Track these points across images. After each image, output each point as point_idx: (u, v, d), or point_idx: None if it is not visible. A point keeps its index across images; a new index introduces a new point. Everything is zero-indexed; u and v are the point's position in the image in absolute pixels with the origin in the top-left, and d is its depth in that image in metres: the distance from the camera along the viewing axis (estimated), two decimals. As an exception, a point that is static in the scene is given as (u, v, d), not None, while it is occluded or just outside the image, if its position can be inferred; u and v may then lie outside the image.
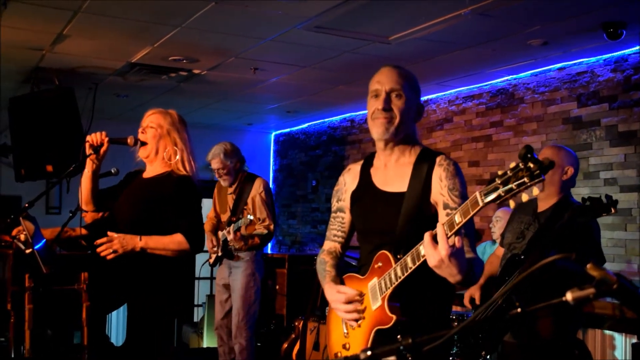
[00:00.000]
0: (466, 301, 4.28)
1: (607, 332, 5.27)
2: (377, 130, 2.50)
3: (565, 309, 2.47)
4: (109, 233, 3.61)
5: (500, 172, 1.85)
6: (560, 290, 1.26)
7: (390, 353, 1.36)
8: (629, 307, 1.18)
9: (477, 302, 4.03)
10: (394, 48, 5.77)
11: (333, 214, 2.80)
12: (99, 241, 3.62)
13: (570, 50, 5.84)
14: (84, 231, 6.81)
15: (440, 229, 2.10)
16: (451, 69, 6.64)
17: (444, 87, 7.51)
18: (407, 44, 5.67)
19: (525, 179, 1.77)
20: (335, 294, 2.56)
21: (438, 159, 2.48)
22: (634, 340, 4.96)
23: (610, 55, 5.89)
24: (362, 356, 1.40)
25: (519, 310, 1.25)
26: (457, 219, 2.06)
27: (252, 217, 5.41)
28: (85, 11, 5.00)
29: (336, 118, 9.83)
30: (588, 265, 1.18)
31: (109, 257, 3.58)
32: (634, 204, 5.69)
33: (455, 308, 5.44)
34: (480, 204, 1.96)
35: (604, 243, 5.76)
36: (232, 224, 5.52)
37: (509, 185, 1.82)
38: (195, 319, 9.70)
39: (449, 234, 2.08)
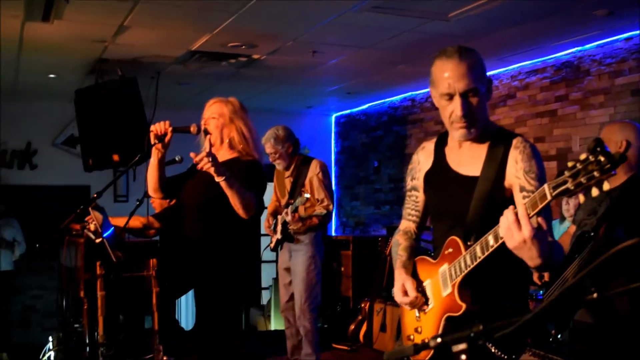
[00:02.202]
0: (536, 277, 4.21)
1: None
2: (458, 134, 2.42)
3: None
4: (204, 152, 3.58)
5: (570, 164, 1.78)
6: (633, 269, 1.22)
7: (461, 340, 1.34)
8: None
9: (547, 279, 3.96)
10: (453, 25, 5.68)
11: (408, 193, 2.75)
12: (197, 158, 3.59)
13: (636, 19, 5.64)
14: (152, 220, 6.96)
15: (522, 209, 2.03)
16: (512, 44, 6.50)
17: (505, 63, 7.35)
18: (466, 21, 5.57)
19: (595, 173, 1.71)
20: (399, 291, 2.54)
21: (515, 141, 2.41)
22: None
23: (679, 22, 5.68)
24: (432, 343, 1.38)
25: (594, 295, 1.21)
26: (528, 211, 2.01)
27: (308, 195, 5.41)
28: (144, 2, 5.07)
29: (397, 98, 9.74)
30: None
31: (203, 165, 3.54)
32: None
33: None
34: (549, 197, 1.90)
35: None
36: (290, 206, 5.55)
37: (579, 179, 1.76)
38: (262, 302, 9.81)
39: (531, 215, 2.02)
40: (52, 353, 5.70)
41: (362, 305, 7.02)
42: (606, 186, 1.73)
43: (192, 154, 3.60)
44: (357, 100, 10.09)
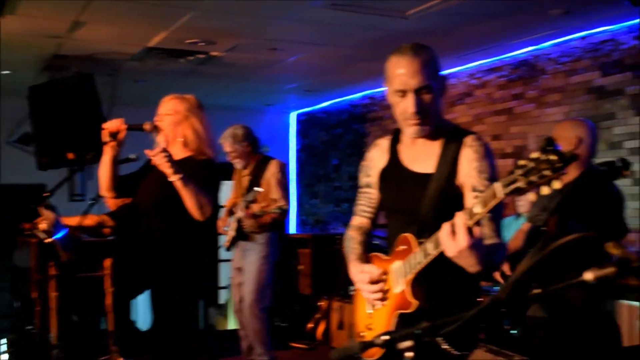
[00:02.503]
0: (497, 275, 4.24)
1: (636, 303, 5.20)
2: (410, 131, 2.42)
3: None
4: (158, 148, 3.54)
5: (520, 162, 1.79)
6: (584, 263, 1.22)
7: (407, 337, 1.33)
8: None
9: (508, 273, 4.00)
10: (412, 23, 5.69)
11: (361, 189, 2.75)
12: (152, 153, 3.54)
13: (592, 18, 5.73)
14: (106, 218, 6.86)
15: (459, 219, 2.05)
16: (471, 42, 6.54)
17: (464, 61, 7.41)
18: (425, 19, 5.59)
19: (546, 172, 1.72)
20: (359, 274, 2.52)
21: (467, 140, 2.41)
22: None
23: (633, 22, 5.75)
24: (378, 341, 1.37)
25: (539, 290, 1.21)
26: (477, 209, 2.02)
27: (260, 189, 5.36)
28: (99, -3, 5.00)
29: (356, 95, 9.75)
30: (608, 243, 1.14)
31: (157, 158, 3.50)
32: (661, 174, 5.59)
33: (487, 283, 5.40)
34: (500, 195, 1.91)
35: (630, 213, 5.66)
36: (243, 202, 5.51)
37: (530, 178, 1.77)
38: (220, 302, 9.75)
39: (469, 224, 2.04)
40: (5, 355, 5.59)
41: (320, 303, 7.01)
42: (557, 185, 1.74)
43: (147, 151, 3.56)
44: (317, 98, 10.09)
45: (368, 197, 2.71)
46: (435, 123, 2.41)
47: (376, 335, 1.42)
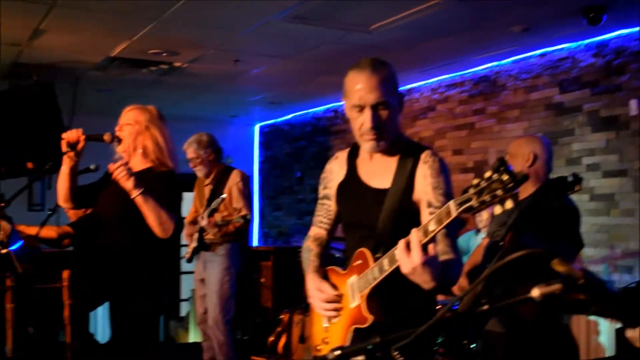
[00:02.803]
0: (456, 290, 4.27)
1: (592, 317, 5.28)
2: (367, 146, 2.45)
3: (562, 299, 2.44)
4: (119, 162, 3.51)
5: (475, 182, 1.82)
6: (535, 278, 1.24)
7: (359, 352, 1.33)
8: (595, 302, 1.16)
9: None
10: (375, 37, 5.74)
11: (320, 201, 2.76)
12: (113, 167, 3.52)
13: (551, 36, 5.83)
14: (67, 229, 6.75)
15: (414, 236, 2.07)
16: (433, 57, 6.62)
17: (426, 76, 7.48)
18: (388, 33, 5.64)
19: (499, 191, 1.76)
20: (315, 290, 2.53)
21: (423, 155, 2.43)
22: (619, 326, 4.96)
23: (591, 40, 5.88)
24: (330, 356, 1.37)
25: (485, 307, 1.23)
26: (431, 226, 2.04)
27: (224, 195, 5.35)
28: (61, 5, 4.95)
29: (320, 109, 9.79)
30: (554, 261, 1.16)
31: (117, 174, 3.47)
32: (617, 189, 5.69)
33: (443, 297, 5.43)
34: (454, 214, 1.94)
35: (588, 229, 5.77)
36: (206, 210, 5.47)
37: (483, 197, 1.80)
38: (182, 314, 9.67)
39: (424, 241, 2.06)
40: (-42, 368, 5.47)
41: (282, 316, 6.98)
42: (509, 204, 1.77)
43: (110, 165, 3.53)
44: (281, 110, 10.09)
45: (326, 209, 2.72)
46: (391, 138, 2.44)
47: (329, 350, 1.43)
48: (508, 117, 6.71)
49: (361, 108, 2.37)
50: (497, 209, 1.78)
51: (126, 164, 3.48)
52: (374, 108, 2.36)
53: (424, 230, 2.06)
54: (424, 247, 2.07)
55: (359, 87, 2.36)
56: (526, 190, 3.71)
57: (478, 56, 6.56)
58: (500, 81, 6.82)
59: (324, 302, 2.47)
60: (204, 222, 5.43)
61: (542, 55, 6.34)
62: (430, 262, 2.07)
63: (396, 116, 2.43)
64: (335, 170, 2.69)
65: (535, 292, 1.17)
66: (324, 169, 2.75)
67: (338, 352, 1.36)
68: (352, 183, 2.58)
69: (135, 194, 3.47)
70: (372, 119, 2.36)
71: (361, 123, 2.39)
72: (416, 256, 2.06)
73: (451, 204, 1.94)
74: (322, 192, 2.74)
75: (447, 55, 6.55)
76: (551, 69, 6.27)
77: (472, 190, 1.83)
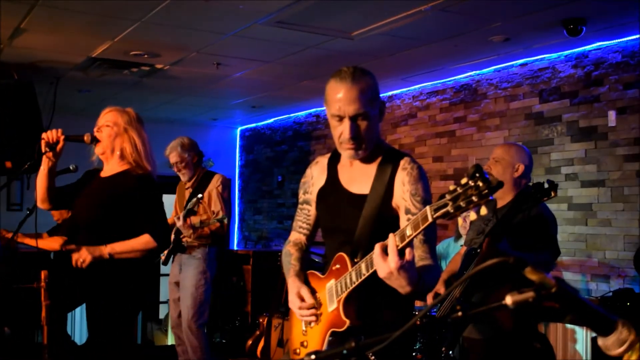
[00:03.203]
0: (430, 297, 4.30)
1: (569, 326, 5.32)
2: (346, 154, 2.48)
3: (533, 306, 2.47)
4: (74, 246, 3.58)
5: (451, 187, 1.84)
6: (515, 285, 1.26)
7: (335, 357, 1.34)
8: (568, 311, 1.17)
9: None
10: (357, 43, 5.76)
11: (300, 205, 2.78)
12: (71, 252, 3.60)
13: (531, 46, 5.88)
14: (45, 235, 6.72)
15: (391, 241, 2.10)
16: (415, 64, 6.65)
17: (408, 83, 7.52)
18: (370, 40, 5.66)
19: (474, 198, 1.77)
20: (294, 296, 2.54)
21: (402, 162, 2.46)
22: (595, 335, 5.00)
23: (571, 51, 5.94)
24: (306, 359, 1.38)
25: (459, 314, 1.24)
26: (408, 231, 2.06)
27: (200, 195, 5.34)
28: (42, 5, 4.92)
29: (302, 113, 9.80)
30: (526, 269, 1.17)
31: (82, 266, 3.56)
32: (595, 199, 5.75)
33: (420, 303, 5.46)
34: (430, 219, 1.96)
35: (565, 237, 5.82)
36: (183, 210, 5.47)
37: (458, 203, 1.82)
38: (160, 316, 9.63)
39: (400, 245, 2.08)
40: None
41: (260, 320, 6.98)
42: (483, 211, 1.79)
43: (73, 255, 3.59)
44: (262, 114, 10.09)
45: (306, 214, 2.74)
46: (370, 147, 2.47)
47: (306, 354, 1.43)
48: (488, 125, 6.76)
49: (340, 118, 2.40)
50: (472, 216, 1.80)
51: (79, 250, 3.56)
52: (353, 119, 2.39)
53: (400, 235, 2.09)
54: (401, 252, 2.09)
55: (339, 97, 2.38)
56: (504, 198, 3.76)
57: (459, 64, 6.60)
58: (481, 90, 6.87)
59: (303, 308, 2.49)
60: (179, 223, 5.41)
61: (523, 64, 6.40)
62: (406, 267, 2.09)
63: (376, 125, 2.46)
64: (315, 175, 2.71)
65: (509, 300, 1.18)
66: (305, 174, 2.77)
67: (313, 357, 1.36)
68: (332, 188, 2.61)
69: (106, 256, 3.55)
70: (351, 129, 2.39)
71: (340, 132, 2.43)
72: (392, 260, 2.08)
73: (427, 209, 1.96)
74: (302, 197, 2.76)
75: (428, 63, 6.58)
76: (531, 79, 6.33)
77: (448, 196, 1.85)
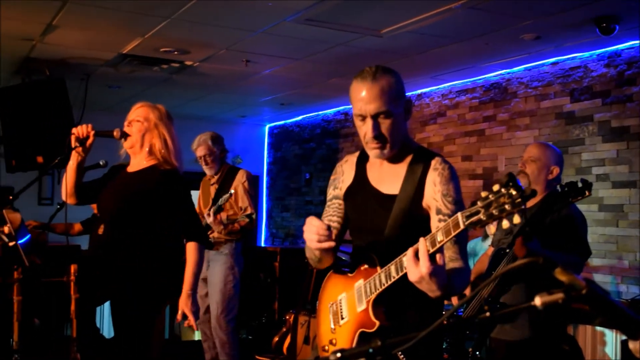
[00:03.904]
0: (454, 299, 4.28)
1: (598, 328, 5.26)
2: (372, 154, 2.47)
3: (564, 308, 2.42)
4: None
5: (483, 194, 1.82)
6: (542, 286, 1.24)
7: (360, 355, 1.33)
8: (598, 313, 1.15)
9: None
10: (386, 41, 5.74)
11: (329, 202, 2.75)
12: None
13: (563, 44, 5.82)
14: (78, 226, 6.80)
15: (422, 245, 2.09)
16: (444, 62, 6.61)
17: (437, 81, 7.47)
18: (399, 37, 5.64)
19: (507, 206, 1.75)
20: (308, 225, 2.40)
21: (433, 162, 2.43)
22: (624, 337, 4.95)
23: (603, 50, 5.87)
24: (332, 357, 1.38)
25: (487, 314, 1.22)
26: (439, 237, 2.04)
27: (232, 191, 5.38)
28: (73, 2, 4.97)
29: (330, 111, 9.80)
30: (556, 270, 1.16)
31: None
32: (626, 200, 5.67)
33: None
34: (462, 226, 1.94)
35: (596, 239, 5.76)
36: (212, 207, 5.49)
37: (490, 211, 1.79)
38: (187, 312, 9.69)
39: (431, 251, 2.07)
40: (-36, 360, 5.51)
41: (287, 317, 6.99)
42: (516, 219, 1.76)
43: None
44: (291, 112, 10.10)
45: (337, 207, 2.71)
46: (396, 146, 2.44)
47: (332, 352, 1.43)
48: (518, 124, 6.70)
49: (363, 117, 2.40)
50: (505, 224, 1.77)
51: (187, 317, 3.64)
52: (375, 118, 2.38)
53: (431, 240, 2.08)
54: (432, 257, 2.08)
55: (360, 97, 2.38)
56: (534, 199, 3.70)
57: (489, 63, 6.55)
58: (511, 88, 6.81)
59: (314, 234, 2.37)
60: (210, 219, 5.45)
61: (554, 63, 6.33)
62: (436, 272, 2.08)
63: (400, 124, 2.43)
64: (345, 172, 2.70)
65: (538, 301, 1.16)
66: (335, 171, 2.76)
67: (339, 355, 1.36)
68: (360, 187, 2.59)
69: (191, 292, 3.63)
70: (373, 128, 2.38)
71: (364, 132, 2.42)
72: (424, 266, 2.07)
73: (459, 215, 1.95)
74: (332, 193, 2.74)
75: (458, 61, 6.54)
76: (563, 78, 6.26)
77: (480, 204, 1.82)
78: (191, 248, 3.65)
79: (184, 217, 3.67)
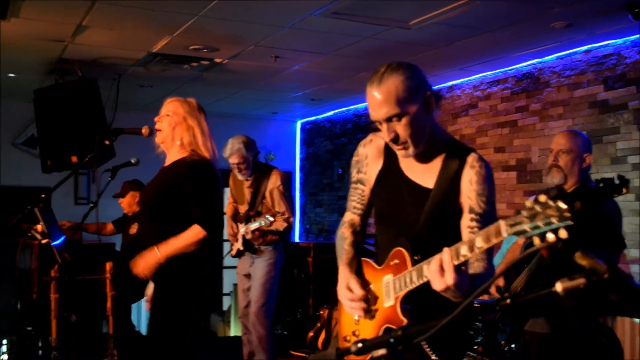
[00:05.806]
0: (493, 290, 4.22)
1: (637, 320, 5.17)
2: (398, 154, 2.46)
3: (590, 294, 2.35)
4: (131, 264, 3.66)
5: (528, 204, 1.69)
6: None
7: (381, 345, 1.33)
8: (620, 297, 1.13)
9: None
10: (414, 33, 5.70)
11: (353, 185, 2.72)
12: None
13: (595, 32, 5.72)
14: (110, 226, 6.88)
15: (447, 256, 2.09)
16: (474, 53, 6.54)
17: (468, 73, 7.40)
18: (427, 29, 5.59)
19: (554, 220, 1.61)
20: (343, 289, 2.50)
21: (470, 159, 2.39)
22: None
23: (637, 36, 5.75)
24: (354, 348, 1.37)
25: (508, 301, 1.20)
26: (479, 243, 2.00)
27: (271, 219, 5.41)
28: (102, 1, 5.01)
29: (361, 105, 9.76)
30: (576, 254, 1.13)
31: (147, 277, 3.65)
32: (663, 189, 5.57)
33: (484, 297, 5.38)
34: (504, 235, 1.88)
35: (632, 229, 5.65)
36: (250, 223, 5.54)
37: (535, 222, 1.66)
38: (223, 308, 9.75)
39: (469, 256, 2.07)
40: (5, 356, 5.62)
41: (321, 312, 7.00)
42: (563, 234, 1.64)
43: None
44: (322, 107, 10.09)
45: (360, 193, 2.68)
46: (421, 142, 2.39)
47: (353, 343, 1.43)
48: (551, 114, 6.61)
49: (379, 122, 2.37)
50: (551, 237, 1.65)
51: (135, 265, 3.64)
52: (388, 121, 2.34)
53: (469, 246, 2.05)
54: (457, 267, 2.09)
55: (371, 103, 2.36)
56: (566, 188, 3.64)
57: (520, 52, 6.47)
58: (543, 78, 6.72)
59: (354, 300, 2.46)
60: (248, 236, 5.58)
61: (587, 51, 6.23)
62: (461, 281, 2.11)
63: (419, 121, 2.35)
64: (370, 155, 2.64)
65: (559, 287, 1.14)
66: (357, 152, 2.71)
67: (360, 345, 1.35)
68: (392, 174, 2.54)
69: (161, 260, 3.57)
70: (388, 132, 2.35)
71: (384, 134, 2.39)
72: (450, 277, 2.09)
73: (502, 224, 1.87)
74: (355, 176, 2.70)
75: (488, 51, 6.46)
76: (596, 66, 6.16)
77: (525, 213, 1.70)
78: (193, 228, 3.59)
79: (201, 204, 3.63)
